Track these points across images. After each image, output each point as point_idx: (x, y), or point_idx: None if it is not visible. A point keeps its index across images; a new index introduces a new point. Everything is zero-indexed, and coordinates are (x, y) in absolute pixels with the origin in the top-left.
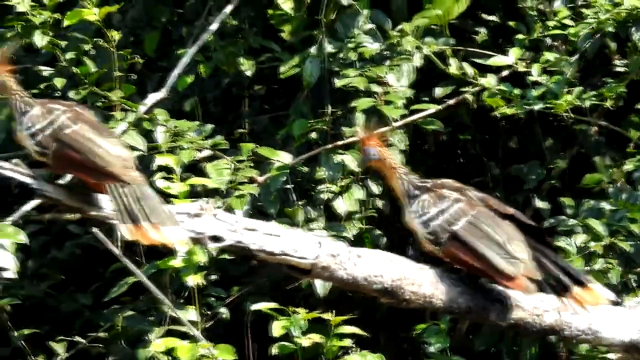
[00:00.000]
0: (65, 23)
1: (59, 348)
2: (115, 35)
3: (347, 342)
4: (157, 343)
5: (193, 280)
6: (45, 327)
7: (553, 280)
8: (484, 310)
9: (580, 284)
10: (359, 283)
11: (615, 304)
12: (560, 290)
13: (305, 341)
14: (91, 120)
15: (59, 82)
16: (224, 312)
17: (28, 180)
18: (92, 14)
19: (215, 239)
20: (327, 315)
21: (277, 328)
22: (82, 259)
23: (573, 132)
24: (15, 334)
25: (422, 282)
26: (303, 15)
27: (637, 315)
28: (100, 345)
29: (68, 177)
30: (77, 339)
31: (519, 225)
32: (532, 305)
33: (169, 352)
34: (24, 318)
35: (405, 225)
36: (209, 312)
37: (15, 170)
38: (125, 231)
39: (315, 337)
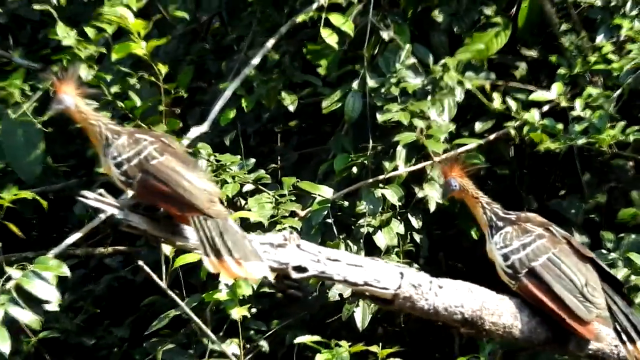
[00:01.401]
0: (114, 57)
1: None
2: (163, 69)
3: None
4: None
5: (237, 313)
6: None
7: (621, 330)
8: (563, 341)
9: None
10: (440, 313)
11: None
12: (628, 340)
13: None
14: (178, 152)
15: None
16: (263, 345)
17: (114, 210)
18: (140, 47)
19: (299, 269)
20: (374, 348)
21: None
22: (118, 293)
23: (610, 166)
24: None
25: (502, 313)
26: (338, 51)
27: None
28: None
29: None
30: None
31: (597, 270)
32: (610, 337)
33: None
34: (60, 351)
35: (488, 255)
36: (248, 345)
37: (100, 201)
38: (208, 264)
39: None
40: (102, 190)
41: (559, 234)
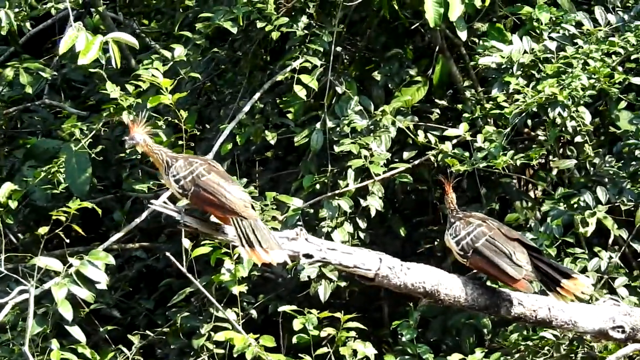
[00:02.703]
0: (149, 105)
1: (135, 340)
2: (184, 114)
3: (352, 334)
4: (219, 335)
5: (237, 289)
6: (119, 327)
7: (547, 278)
8: (497, 307)
9: (568, 276)
10: (408, 287)
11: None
12: (554, 284)
13: (323, 332)
14: (221, 171)
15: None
16: (253, 313)
17: (175, 214)
18: (167, 98)
19: (307, 256)
20: (338, 314)
21: (297, 323)
22: (145, 276)
23: (500, 183)
24: (101, 329)
25: (453, 287)
26: (303, 102)
27: (604, 310)
28: (164, 337)
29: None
30: (147, 332)
31: (521, 244)
32: (530, 304)
33: (215, 342)
34: (104, 319)
35: (445, 243)
36: (241, 313)
37: (165, 207)
38: (244, 252)
39: (330, 330)
40: (165, 199)
41: (492, 224)
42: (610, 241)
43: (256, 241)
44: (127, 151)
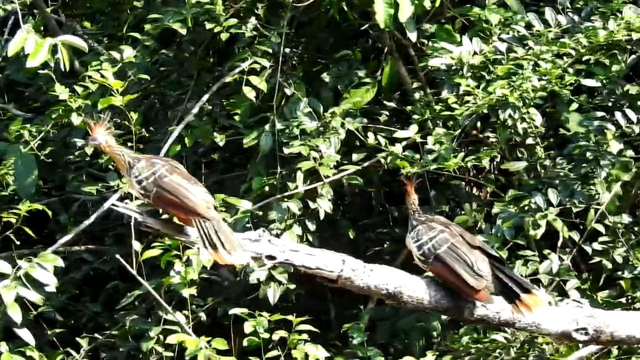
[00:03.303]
0: (100, 107)
1: (84, 343)
2: (134, 116)
3: (304, 336)
4: (171, 338)
5: (188, 292)
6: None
7: (507, 290)
8: (460, 309)
9: (527, 291)
10: (371, 289)
11: (549, 304)
12: (513, 297)
13: (275, 335)
14: (183, 172)
15: (89, 150)
16: (202, 315)
17: (136, 215)
18: (118, 100)
19: (270, 257)
20: (290, 317)
21: (248, 326)
22: (90, 279)
23: (449, 185)
24: (49, 332)
25: (415, 289)
26: (250, 103)
27: (567, 312)
28: (113, 340)
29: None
30: (97, 335)
31: (483, 253)
32: (493, 306)
33: (165, 345)
34: (48, 322)
35: (406, 245)
36: (190, 316)
37: (127, 208)
38: (207, 254)
39: (282, 333)
40: (127, 200)
41: (455, 230)
42: (559, 243)
43: (219, 243)
44: (76, 153)
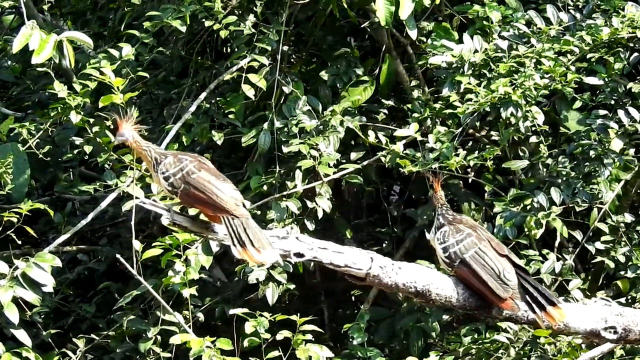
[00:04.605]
0: (100, 105)
1: (80, 343)
2: (135, 113)
3: (309, 337)
4: (175, 338)
5: (188, 292)
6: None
7: (533, 301)
8: (488, 308)
9: (553, 304)
10: (399, 287)
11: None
12: (539, 309)
13: (279, 335)
14: (211, 169)
15: (87, 149)
16: (200, 316)
17: (164, 212)
18: (119, 98)
19: (298, 255)
20: (294, 317)
21: (249, 327)
22: (83, 279)
23: (448, 184)
24: (44, 333)
25: (444, 287)
26: (244, 102)
27: (596, 311)
28: (109, 341)
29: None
30: (93, 336)
31: (510, 262)
32: (523, 308)
33: (161, 345)
34: (46, 321)
35: (430, 243)
36: (190, 316)
37: (155, 205)
38: (236, 252)
39: (286, 332)
40: (155, 197)
41: (482, 235)
42: (557, 243)
43: (248, 241)
44: (75, 152)
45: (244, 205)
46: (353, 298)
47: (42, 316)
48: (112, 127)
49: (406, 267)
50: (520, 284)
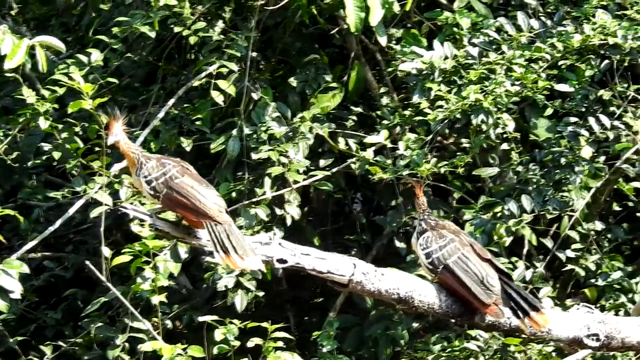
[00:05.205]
0: (70, 110)
1: (47, 350)
2: (104, 119)
3: (280, 344)
4: (145, 346)
5: (157, 299)
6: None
7: (516, 306)
8: (471, 314)
9: (536, 309)
10: (382, 293)
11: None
12: (522, 314)
13: (250, 343)
14: (194, 174)
15: (56, 155)
16: (168, 323)
17: (146, 217)
18: (88, 103)
19: (281, 261)
20: (265, 324)
21: (218, 334)
22: (51, 287)
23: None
24: (10, 340)
25: (427, 293)
26: (216, 108)
27: (578, 318)
28: (77, 348)
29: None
30: (60, 343)
31: (493, 267)
32: (506, 315)
33: (130, 352)
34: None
35: (412, 247)
36: (159, 323)
37: (136, 210)
38: (219, 259)
39: (257, 340)
40: (136, 203)
41: (465, 239)
42: (524, 251)
43: (231, 247)
44: (37, 161)
45: (227, 212)
46: (319, 305)
47: (12, 323)
48: (82, 132)
49: (389, 274)
50: (504, 289)
